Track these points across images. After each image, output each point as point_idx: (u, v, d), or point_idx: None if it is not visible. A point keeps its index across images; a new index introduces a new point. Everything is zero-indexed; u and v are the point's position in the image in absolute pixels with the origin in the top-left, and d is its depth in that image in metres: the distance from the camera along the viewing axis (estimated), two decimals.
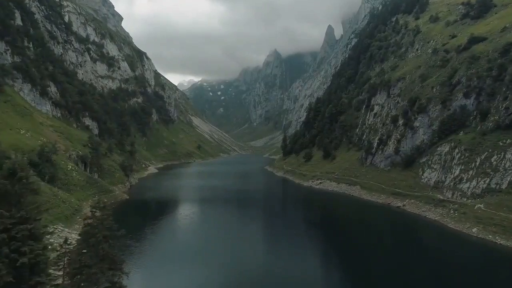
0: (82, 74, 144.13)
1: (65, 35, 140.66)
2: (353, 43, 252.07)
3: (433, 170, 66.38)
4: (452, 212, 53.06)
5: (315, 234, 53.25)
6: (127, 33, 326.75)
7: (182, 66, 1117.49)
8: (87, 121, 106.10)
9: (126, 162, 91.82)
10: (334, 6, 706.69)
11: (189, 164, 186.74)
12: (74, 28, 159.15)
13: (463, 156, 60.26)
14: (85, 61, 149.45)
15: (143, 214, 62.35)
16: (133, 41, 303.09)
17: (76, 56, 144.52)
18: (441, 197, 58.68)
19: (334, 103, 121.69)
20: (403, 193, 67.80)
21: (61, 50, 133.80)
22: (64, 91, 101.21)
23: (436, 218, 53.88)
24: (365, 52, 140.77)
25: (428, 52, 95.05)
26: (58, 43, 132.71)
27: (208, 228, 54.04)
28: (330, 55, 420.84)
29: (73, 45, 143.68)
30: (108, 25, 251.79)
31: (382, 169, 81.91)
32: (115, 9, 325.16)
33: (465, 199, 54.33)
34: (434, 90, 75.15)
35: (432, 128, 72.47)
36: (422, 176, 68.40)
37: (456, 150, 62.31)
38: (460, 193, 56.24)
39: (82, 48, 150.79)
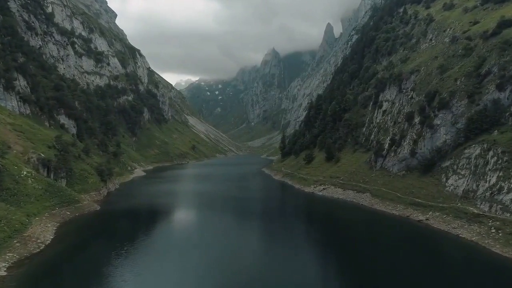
0: (64, 68, 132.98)
1: (45, 26, 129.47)
2: (354, 40, 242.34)
3: (460, 176, 55.67)
4: (494, 231, 42.31)
5: (321, 257, 42.51)
6: (121, 30, 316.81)
7: (180, 65, 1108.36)
8: (63, 119, 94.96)
9: (104, 165, 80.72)
10: (332, 4, 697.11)
11: (182, 165, 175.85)
12: (58, 20, 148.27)
13: (500, 160, 49.55)
14: (67, 55, 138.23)
15: (110, 232, 51.21)
16: (130, 40, 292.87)
17: (58, 49, 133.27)
18: (475, 211, 47.96)
19: (337, 99, 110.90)
20: (424, 203, 57.07)
21: (40, 42, 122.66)
22: (36, 85, 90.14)
23: (473, 239, 43.08)
24: (369, 46, 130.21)
25: (445, 42, 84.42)
26: (37, 34, 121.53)
27: (190, 253, 42.96)
28: (329, 53, 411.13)
29: (54, 37, 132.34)
30: (100, 21, 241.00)
31: (396, 173, 71.22)
32: (108, 5, 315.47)
33: (509, 214, 43.61)
34: (458, 82, 64.41)
35: (456, 127, 61.79)
36: (446, 184, 57.70)
37: (491, 153, 51.60)
38: (500, 206, 45.50)
39: (64, 41, 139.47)
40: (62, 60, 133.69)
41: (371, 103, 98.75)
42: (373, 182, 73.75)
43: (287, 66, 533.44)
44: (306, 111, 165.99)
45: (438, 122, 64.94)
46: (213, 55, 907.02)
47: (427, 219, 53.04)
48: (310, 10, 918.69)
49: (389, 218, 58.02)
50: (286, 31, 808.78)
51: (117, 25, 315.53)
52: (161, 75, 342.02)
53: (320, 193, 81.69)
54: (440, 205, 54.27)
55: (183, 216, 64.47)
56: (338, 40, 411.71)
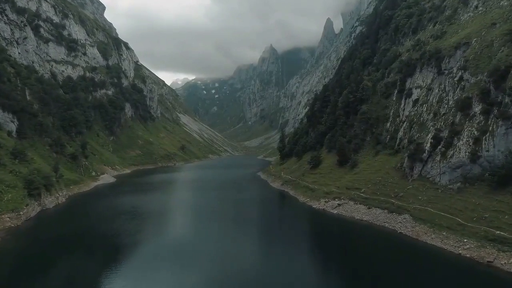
0: (20, 53, 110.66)
1: None
2: (357, 32, 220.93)
3: None
4: None
5: None
6: (110, 23, 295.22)
7: (176, 64, 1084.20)
8: None
9: (34, 173, 58.46)
10: None
11: (167, 168, 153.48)
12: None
13: None
14: (25, 38, 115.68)
15: None
16: (122, 38, 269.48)
17: (11, 30, 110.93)
18: None
19: (351, 88, 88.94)
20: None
21: None
22: None
23: None
24: (385, 27, 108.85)
25: (502, 5, 62.84)
26: None
27: None
28: (329, 49, 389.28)
29: (7, 15, 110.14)
30: (84, 11, 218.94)
31: (446, 186, 49.48)
32: None
33: None
34: None
35: None
36: None
37: None
38: None
39: (22, 22, 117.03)
40: (17, 43, 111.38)
41: (396, 91, 77.20)
42: (412, 198, 51.96)
43: (285, 63, 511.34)
44: (309, 106, 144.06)
45: None
46: (209, 53, 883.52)
47: None
48: (309, 5, 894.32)
49: (455, 263, 36.10)
50: (283, 27, 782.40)
51: (105, 18, 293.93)
52: (156, 74, 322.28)
53: (335, 211, 59.65)
54: None
55: (129, 267, 41.88)
56: (338, 36, 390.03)
